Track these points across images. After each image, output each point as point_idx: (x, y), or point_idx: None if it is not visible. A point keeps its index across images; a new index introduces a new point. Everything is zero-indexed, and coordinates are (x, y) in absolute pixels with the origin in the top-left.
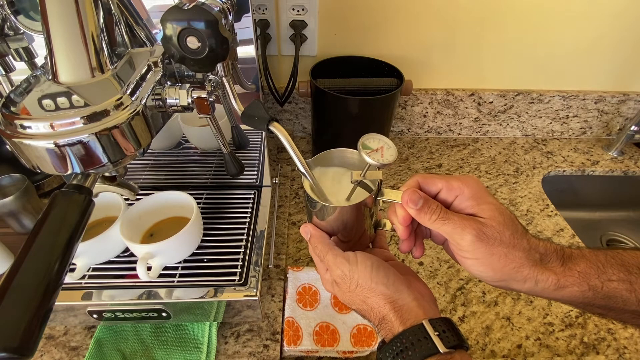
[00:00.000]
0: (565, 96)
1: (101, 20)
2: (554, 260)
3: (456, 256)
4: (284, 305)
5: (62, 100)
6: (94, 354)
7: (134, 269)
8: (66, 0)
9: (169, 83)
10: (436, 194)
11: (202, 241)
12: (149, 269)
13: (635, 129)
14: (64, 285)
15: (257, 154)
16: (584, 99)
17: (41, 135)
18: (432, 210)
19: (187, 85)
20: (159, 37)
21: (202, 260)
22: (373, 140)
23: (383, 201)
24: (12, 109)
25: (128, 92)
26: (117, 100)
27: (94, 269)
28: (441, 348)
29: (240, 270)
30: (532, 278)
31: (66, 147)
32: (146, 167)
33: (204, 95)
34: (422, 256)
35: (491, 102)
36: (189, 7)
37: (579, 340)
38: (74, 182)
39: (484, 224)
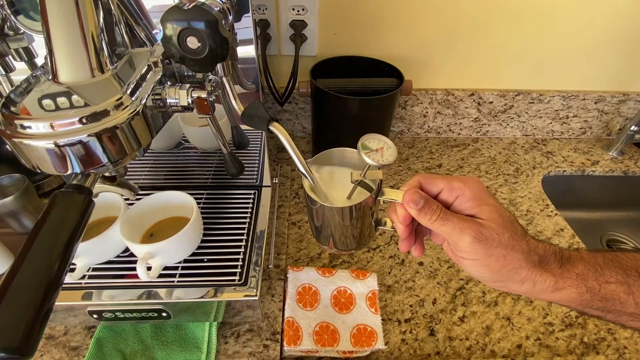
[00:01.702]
0: (565, 96)
1: (101, 20)
2: (553, 262)
3: (455, 257)
4: (284, 305)
5: (62, 100)
6: (94, 354)
7: (134, 269)
8: (66, 0)
9: (169, 83)
10: (437, 194)
11: (202, 241)
12: (149, 269)
13: (635, 129)
14: (64, 285)
15: (257, 154)
16: (584, 99)
17: (41, 135)
18: (432, 210)
19: (187, 85)
20: (159, 37)
21: (202, 260)
22: (373, 140)
23: (383, 201)
24: (12, 109)
25: (128, 92)
26: (117, 100)
27: (94, 269)
28: None
29: (240, 270)
30: (530, 279)
31: (66, 147)
32: (146, 167)
33: (204, 95)
34: (422, 256)
35: (491, 102)
36: (189, 7)
37: (579, 340)
38: (74, 182)
39: (483, 225)
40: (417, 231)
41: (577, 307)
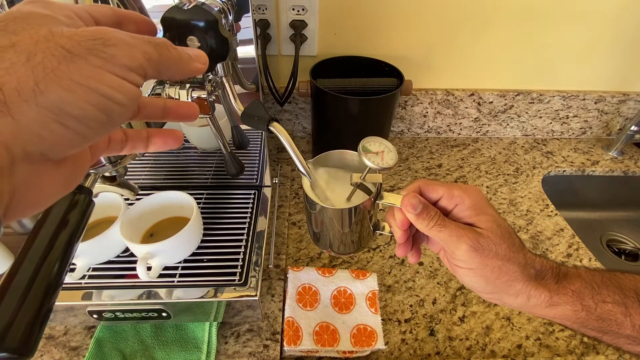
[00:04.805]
0: (565, 96)
1: None
2: (549, 277)
3: (450, 265)
4: (284, 305)
5: None
6: (94, 354)
7: (134, 269)
8: (66, 0)
9: (169, 83)
10: (436, 201)
11: (202, 241)
12: (149, 269)
13: (635, 129)
14: (64, 285)
15: (257, 154)
16: (584, 99)
17: None
18: (430, 216)
19: (187, 85)
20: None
21: (202, 260)
22: (374, 143)
23: (382, 204)
24: None
25: None
26: None
27: (94, 269)
28: None
29: (240, 270)
30: (524, 293)
31: None
32: (146, 167)
33: (204, 95)
34: (421, 257)
35: (491, 102)
36: (189, 7)
37: (579, 340)
38: None
39: (480, 235)
40: (414, 237)
41: (573, 325)
